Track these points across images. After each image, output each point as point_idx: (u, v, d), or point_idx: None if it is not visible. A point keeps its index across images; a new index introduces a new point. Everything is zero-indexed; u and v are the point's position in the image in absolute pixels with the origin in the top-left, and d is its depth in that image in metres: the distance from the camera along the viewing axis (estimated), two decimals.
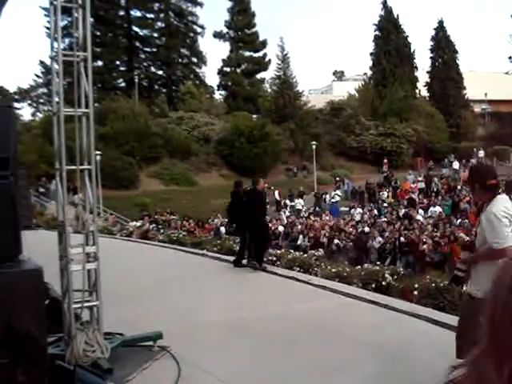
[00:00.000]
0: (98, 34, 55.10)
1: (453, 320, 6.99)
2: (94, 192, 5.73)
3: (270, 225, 24.42)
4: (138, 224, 24.43)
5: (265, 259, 11.70)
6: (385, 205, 29.45)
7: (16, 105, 60.67)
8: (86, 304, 5.63)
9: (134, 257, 15.01)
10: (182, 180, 44.24)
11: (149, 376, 5.45)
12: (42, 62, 57.54)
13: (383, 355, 5.81)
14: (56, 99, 5.73)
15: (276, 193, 37.60)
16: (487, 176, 4.52)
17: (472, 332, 3.73)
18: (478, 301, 4.30)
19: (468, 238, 17.51)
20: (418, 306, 7.69)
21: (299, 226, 22.34)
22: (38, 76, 59.55)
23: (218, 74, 65.31)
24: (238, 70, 64.25)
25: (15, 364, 1.92)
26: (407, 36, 57.40)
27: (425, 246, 16.36)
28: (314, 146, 42.48)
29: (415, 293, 8.36)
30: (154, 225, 25.10)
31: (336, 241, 18.94)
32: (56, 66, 5.68)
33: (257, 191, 11.90)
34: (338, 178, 41.81)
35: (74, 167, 5.61)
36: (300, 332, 6.80)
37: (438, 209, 24.68)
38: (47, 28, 43.68)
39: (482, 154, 44.04)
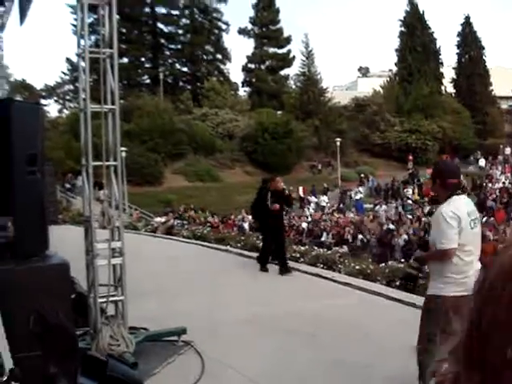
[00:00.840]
0: (124, 31, 55.42)
1: None
2: (119, 188, 5.79)
3: (293, 222, 24.47)
4: (163, 220, 24.59)
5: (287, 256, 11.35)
6: (409, 202, 29.25)
7: (43, 101, 61.41)
8: (112, 298, 5.70)
9: (158, 252, 15.10)
10: (206, 176, 44.40)
11: (173, 370, 5.50)
12: (68, 60, 58.11)
13: (407, 353, 5.78)
14: (83, 96, 5.80)
15: (300, 189, 37.60)
16: (449, 174, 4.50)
17: (422, 326, 4.04)
18: (427, 297, 4.61)
19: (494, 237, 17.34)
20: None
21: (323, 223, 22.30)
22: (64, 73, 60.15)
23: (243, 70, 65.35)
24: (263, 67, 64.15)
25: (47, 356, 1.96)
26: (433, 32, 56.81)
27: None
28: (338, 143, 42.32)
29: None
30: (178, 221, 25.27)
31: (360, 237, 18.88)
32: (82, 63, 5.75)
33: (278, 191, 11.00)
34: (362, 175, 41.63)
35: (100, 163, 5.67)
36: (323, 329, 6.81)
37: None
38: (74, 25, 44.06)
39: (508, 151, 43.44)
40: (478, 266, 4.35)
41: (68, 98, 60.63)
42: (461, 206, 4.35)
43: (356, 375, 5.22)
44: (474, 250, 4.36)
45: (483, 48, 57.37)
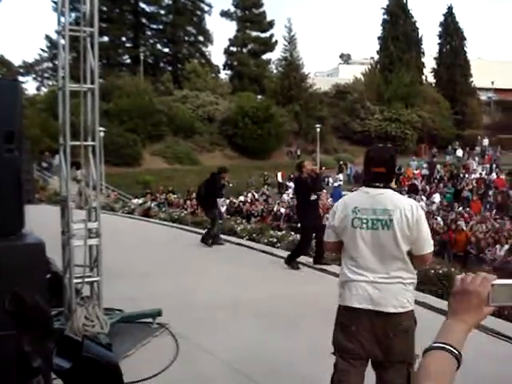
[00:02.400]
0: (105, 9, 54.69)
1: None
2: (97, 168, 5.74)
3: (271, 207, 24.47)
4: (140, 201, 24.48)
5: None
6: None
7: (20, 78, 60.46)
8: (87, 279, 5.67)
9: (135, 234, 15.06)
10: (185, 159, 44.24)
11: (147, 352, 5.50)
12: (47, 37, 57.39)
13: None
14: (61, 74, 5.71)
15: (279, 174, 37.69)
16: (374, 162, 3.58)
17: None
18: None
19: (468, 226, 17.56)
20: (417, 292, 7.70)
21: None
22: (43, 50, 59.39)
23: (224, 53, 65.09)
24: (245, 50, 63.93)
25: (22, 335, 1.95)
26: (415, 21, 57.11)
27: None
28: (318, 129, 42.41)
29: None
30: (155, 202, 25.17)
31: None
32: (62, 41, 5.65)
33: (301, 179, 10.17)
34: (341, 162, 41.80)
35: (78, 143, 5.61)
36: (302, 313, 6.84)
37: (437, 196, 24.68)
38: (54, 2, 43.36)
39: (486, 142, 43.94)
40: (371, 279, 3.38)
41: (46, 75, 59.93)
42: (352, 199, 3.61)
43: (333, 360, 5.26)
44: (361, 255, 3.40)
45: (465, 39, 57.80)
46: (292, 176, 11.27)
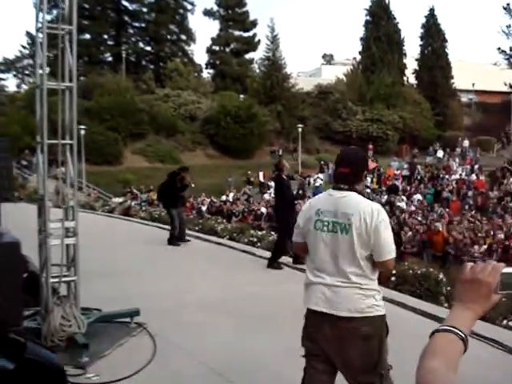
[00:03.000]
0: (87, 6, 54.33)
1: (429, 307, 7.11)
2: (75, 167, 5.70)
3: (252, 207, 24.48)
4: (120, 200, 24.38)
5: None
6: (368, 191, 29.55)
7: (1, 75, 59.93)
8: (64, 279, 5.63)
9: (114, 233, 15.00)
10: (166, 158, 44.03)
11: (124, 352, 5.48)
12: (28, 33, 56.84)
13: None
14: (40, 72, 5.67)
15: (260, 174, 37.71)
16: (337, 162, 3.56)
17: None
18: None
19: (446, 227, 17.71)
20: (395, 292, 7.78)
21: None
22: (24, 47, 58.85)
23: (207, 52, 64.94)
24: (227, 49, 63.86)
25: None
26: (397, 22, 57.29)
27: (404, 235, 16.51)
28: (300, 129, 42.48)
29: (392, 279, 8.44)
30: (136, 201, 25.08)
31: None
32: (40, 38, 5.61)
33: (282, 178, 10.29)
34: (322, 162, 41.90)
35: (55, 141, 5.57)
36: (278, 312, 6.86)
37: (418, 196, 24.84)
38: None
39: (466, 143, 44.24)
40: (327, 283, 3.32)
41: (27, 72, 59.40)
42: (317, 201, 3.59)
43: None
44: (321, 258, 3.34)
45: (446, 41, 58.14)
46: (272, 176, 11.20)
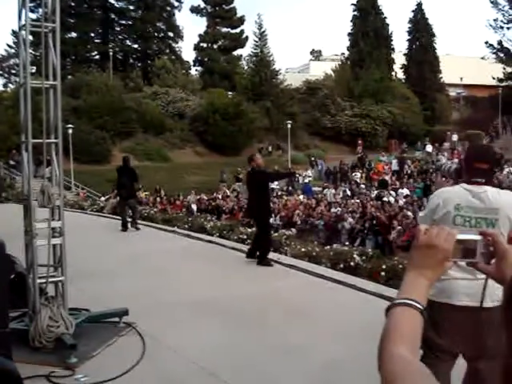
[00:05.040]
0: (73, 4, 54.02)
1: None
2: (60, 166, 5.64)
3: (242, 203, 24.47)
4: (107, 197, 24.22)
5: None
6: (362, 186, 29.61)
7: None
8: (51, 279, 5.58)
9: (102, 232, 14.91)
10: (155, 156, 43.87)
11: (113, 352, 5.44)
12: (14, 32, 56.39)
13: (347, 335, 5.88)
14: (23, 70, 5.61)
15: None
16: (477, 157, 3.54)
17: None
18: None
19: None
20: (385, 287, 7.77)
21: (272, 205, 22.34)
22: (10, 46, 58.40)
23: (195, 49, 64.73)
24: (215, 46, 63.69)
25: None
26: (385, 17, 57.36)
27: (394, 231, 16.52)
28: (289, 125, 42.48)
29: (382, 274, 8.45)
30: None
31: (309, 220, 19.05)
32: (24, 37, 5.55)
33: (257, 171, 10.19)
34: (312, 158, 41.94)
35: (40, 140, 5.51)
36: (267, 311, 6.85)
37: (405, 191, 24.87)
38: None
39: (455, 137, 44.43)
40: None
41: (14, 72, 58.94)
42: (454, 194, 3.47)
43: (294, 355, 5.27)
44: None
45: (434, 35, 58.35)
46: (247, 171, 10.84)
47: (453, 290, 3.37)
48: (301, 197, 25.68)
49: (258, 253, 9.90)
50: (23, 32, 5.55)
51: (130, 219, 14.85)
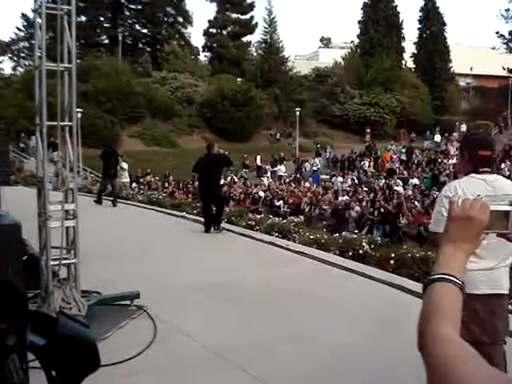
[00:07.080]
0: None
1: None
2: (74, 149, 5.66)
3: (250, 190, 24.51)
4: None
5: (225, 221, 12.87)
6: (369, 174, 29.55)
7: None
8: (64, 261, 5.61)
9: (112, 217, 14.96)
10: (163, 141, 43.92)
11: (125, 334, 5.47)
12: (23, 15, 56.34)
13: (357, 322, 5.90)
14: (38, 53, 5.61)
15: (258, 158, 37.67)
16: (481, 145, 3.47)
17: None
18: None
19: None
20: (394, 275, 7.79)
21: (280, 192, 22.37)
22: (19, 29, 58.30)
23: (204, 35, 64.56)
24: (224, 32, 63.50)
25: None
26: (396, 5, 56.98)
27: (403, 219, 16.50)
28: (297, 113, 42.38)
29: (391, 262, 8.46)
30: (134, 184, 24.98)
31: (317, 207, 19.05)
32: (39, 19, 5.54)
33: (211, 154, 12.17)
34: (319, 146, 41.85)
35: (54, 123, 5.52)
36: (276, 297, 6.87)
37: (415, 181, 24.81)
38: None
39: (464, 127, 44.17)
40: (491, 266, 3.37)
41: (23, 55, 58.91)
42: (471, 185, 3.38)
43: (304, 342, 5.30)
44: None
45: (445, 24, 57.89)
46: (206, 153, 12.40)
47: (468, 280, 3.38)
48: (307, 184, 25.66)
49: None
50: (38, 15, 5.55)
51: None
